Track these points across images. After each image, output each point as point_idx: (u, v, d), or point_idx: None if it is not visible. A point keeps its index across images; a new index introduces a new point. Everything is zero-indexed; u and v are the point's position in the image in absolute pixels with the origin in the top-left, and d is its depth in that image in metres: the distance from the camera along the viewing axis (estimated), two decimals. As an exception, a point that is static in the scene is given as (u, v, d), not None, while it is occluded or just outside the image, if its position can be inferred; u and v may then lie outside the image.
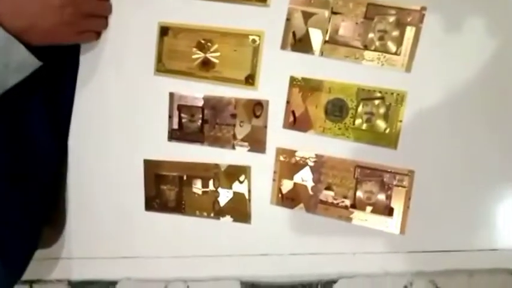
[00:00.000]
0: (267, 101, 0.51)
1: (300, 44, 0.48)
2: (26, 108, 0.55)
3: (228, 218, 0.53)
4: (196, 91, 0.54)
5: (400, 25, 0.45)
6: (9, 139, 0.53)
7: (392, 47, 0.45)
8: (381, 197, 0.47)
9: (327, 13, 0.47)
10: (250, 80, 0.51)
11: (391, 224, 0.47)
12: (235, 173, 0.53)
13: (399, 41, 0.45)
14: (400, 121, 0.46)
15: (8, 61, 0.46)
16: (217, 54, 0.52)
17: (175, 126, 0.55)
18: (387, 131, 0.46)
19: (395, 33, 0.45)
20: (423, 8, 0.44)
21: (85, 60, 0.57)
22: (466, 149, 0.45)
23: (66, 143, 0.59)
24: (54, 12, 0.49)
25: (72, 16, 0.50)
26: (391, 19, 0.45)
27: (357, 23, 0.46)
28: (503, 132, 0.44)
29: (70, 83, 0.59)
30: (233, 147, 0.53)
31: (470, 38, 0.44)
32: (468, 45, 0.44)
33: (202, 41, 0.53)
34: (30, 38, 0.47)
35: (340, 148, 0.48)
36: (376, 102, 0.46)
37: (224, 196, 0.53)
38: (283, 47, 0.49)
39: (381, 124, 0.46)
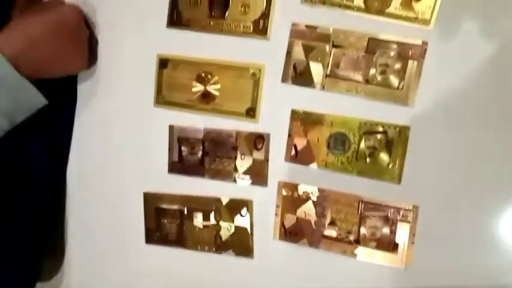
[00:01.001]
0: (268, 134, 0.51)
1: (300, 77, 0.48)
2: (26, 139, 0.55)
3: (230, 253, 0.53)
4: (196, 123, 0.53)
5: (402, 58, 0.45)
6: (7, 170, 0.53)
7: (394, 81, 0.45)
8: (385, 232, 0.46)
9: (327, 47, 0.47)
10: (251, 113, 0.51)
11: (395, 260, 0.46)
12: (236, 206, 0.52)
13: (401, 75, 0.45)
14: (404, 156, 0.45)
15: (18, 101, 0.47)
16: (218, 86, 0.52)
17: (176, 158, 0.55)
18: (390, 165, 0.46)
19: (398, 66, 0.45)
20: (424, 43, 0.44)
21: (83, 91, 0.58)
22: (470, 183, 0.45)
23: (65, 174, 0.59)
24: (66, 45, 0.51)
25: (82, 45, 0.52)
26: (393, 53, 0.45)
27: (358, 57, 0.46)
28: (510, 164, 0.43)
29: (69, 114, 0.59)
30: (234, 181, 0.52)
31: (472, 71, 0.43)
32: (471, 79, 0.43)
33: (202, 74, 0.53)
34: (42, 73, 0.48)
35: (343, 182, 0.48)
36: (379, 136, 0.46)
37: (226, 230, 0.53)
38: (284, 80, 0.49)
39: (384, 159, 0.46)
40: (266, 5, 0.49)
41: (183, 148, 0.54)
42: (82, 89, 0.58)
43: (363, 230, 0.47)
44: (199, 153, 0.54)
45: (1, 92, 0.45)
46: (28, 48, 0.47)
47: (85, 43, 0.53)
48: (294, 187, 0.50)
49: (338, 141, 0.48)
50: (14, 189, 0.54)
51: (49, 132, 0.58)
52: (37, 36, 0.48)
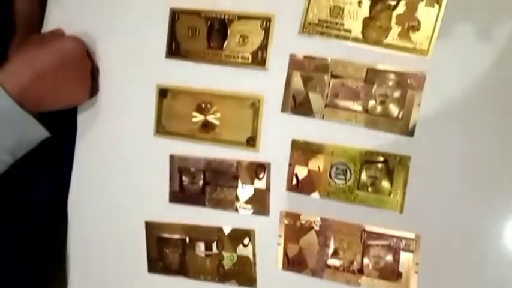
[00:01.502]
0: (269, 163, 0.51)
1: (300, 107, 0.49)
2: (26, 169, 0.55)
3: (233, 282, 0.53)
4: (197, 153, 0.53)
5: (401, 88, 0.45)
6: (9, 202, 0.53)
7: (394, 111, 0.45)
8: (389, 261, 0.46)
9: (326, 77, 0.47)
10: (251, 142, 0.51)
11: (400, 289, 0.46)
12: (239, 236, 0.52)
13: (401, 105, 0.45)
14: (405, 185, 0.45)
15: (22, 136, 0.47)
16: (218, 116, 0.52)
17: (177, 188, 0.55)
18: (392, 195, 0.46)
19: (397, 96, 0.45)
20: (423, 73, 0.44)
21: (83, 121, 0.58)
22: (472, 211, 0.45)
23: (66, 204, 0.59)
24: (69, 78, 0.51)
25: (85, 77, 0.52)
26: (391, 83, 0.45)
27: (357, 87, 0.46)
28: None
29: (69, 144, 0.59)
30: (236, 210, 0.52)
31: (472, 101, 0.44)
32: (470, 108, 0.44)
33: (202, 104, 0.53)
34: (45, 107, 0.49)
35: (345, 211, 0.48)
36: (380, 165, 0.46)
37: (228, 260, 0.53)
38: (284, 110, 0.49)
39: (385, 188, 0.46)
40: (264, 36, 0.49)
41: (184, 178, 0.54)
42: (82, 118, 0.58)
43: (366, 260, 0.47)
44: (200, 183, 0.54)
45: (5, 128, 0.46)
46: (32, 82, 0.47)
47: (88, 75, 0.53)
48: (296, 216, 0.50)
49: (339, 171, 0.48)
50: (15, 220, 0.54)
51: (50, 162, 0.58)
52: (41, 70, 0.48)
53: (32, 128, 0.47)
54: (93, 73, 0.55)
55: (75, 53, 0.51)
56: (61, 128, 0.57)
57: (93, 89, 0.56)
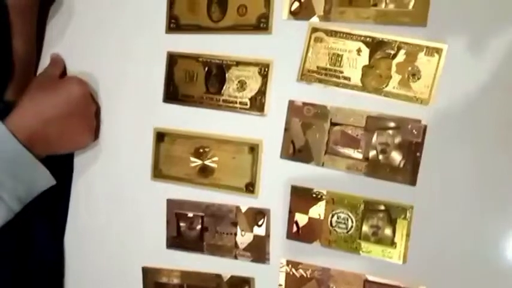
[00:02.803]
0: (269, 210, 0.50)
1: (299, 153, 0.48)
2: (29, 220, 0.54)
3: (232, 332, 0.52)
4: (194, 197, 0.53)
5: (402, 137, 0.45)
6: (13, 253, 0.52)
7: (395, 159, 0.45)
8: (393, 313, 0.45)
9: (326, 124, 0.47)
10: (250, 188, 0.50)
11: None
12: (238, 284, 0.52)
13: (402, 154, 0.45)
14: (408, 235, 0.45)
15: (31, 184, 0.47)
16: (216, 161, 0.52)
17: (174, 233, 0.54)
18: (395, 245, 0.45)
19: (398, 145, 0.45)
20: (424, 122, 0.44)
21: (80, 165, 0.58)
22: (476, 262, 0.44)
23: (62, 249, 0.58)
24: (76, 122, 0.51)
25: (91, 120, 0.53)
26: (392, 132, 0.45)
27: (357, 135, 0.46)
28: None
29: (66, 188, 0.59)
30: (235, 257, 0.51)
31: (474, 149, 0.43)
32: (472, 156, 0.43)
33: (200, 148, 0.52)
34: (51, 151, 0.49)
35: (347, 261, 0.47)
36: (381, 215, 0.45)
37: (228, 308, 0.52)
38: (283, 155, 0.49)
39: (388, 238, 0.45)
40: (262, 82, 0.49)
41: (181, 223, 0.54)
42: (79, 161, 0.58)
43: (369, 312, 0.46)
44: (198, 228, 0.53)
45: (15, 175, 0.45)
46: (40, 128, 0.48)
47: (93, 118, 0.54)
48: (296, 265, 0.49)
49: (340, 219, 0.47)
50: (13, 260, 0.53)
51: (47, 206, 0.57)
52: (49, 116, 0.48)
53: (41, 174, 0.47)
54: (98, 115, 0.55)
55: (81, 97, 0.52)
56: (58, 172, 0.57)
57: (98, 131, 0.56)
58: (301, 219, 0.49)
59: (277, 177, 0.50)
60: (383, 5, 0.44)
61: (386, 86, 0.45)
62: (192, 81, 0.52)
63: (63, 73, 0.56)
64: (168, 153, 0.54)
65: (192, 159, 0.53)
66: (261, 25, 0.49)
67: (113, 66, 0.56)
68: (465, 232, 0.44)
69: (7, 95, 0.53)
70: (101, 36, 0.56)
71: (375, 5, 0.45)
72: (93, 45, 0.56)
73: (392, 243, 0.46)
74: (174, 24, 0.53)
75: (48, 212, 0.57)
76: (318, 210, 0.48)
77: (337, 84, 0.46)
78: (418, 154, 0.44)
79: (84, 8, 0.57)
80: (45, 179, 0.48)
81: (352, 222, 0.47)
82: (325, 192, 0.48)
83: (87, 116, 0.53)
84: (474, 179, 0.44)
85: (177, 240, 0.54)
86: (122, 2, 0.55)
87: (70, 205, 0.58)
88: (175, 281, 0.54)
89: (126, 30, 0.55)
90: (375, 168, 0.46)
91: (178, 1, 0.53)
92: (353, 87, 0.46)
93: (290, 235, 0.49)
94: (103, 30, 0.56)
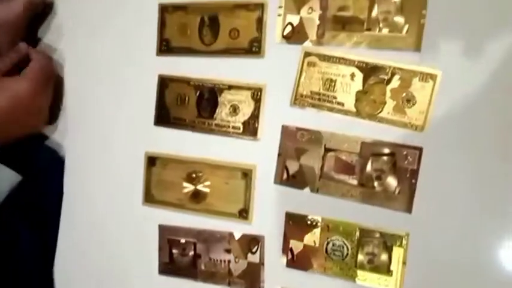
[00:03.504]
0: (263, 237, 0.49)
1: (293, 179, 0.48)
2: (16, 240, 0.53)
3: None
4: (187, 223, 0.52)
5: (397, 162, 0.44)
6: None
7: (391, 186, 0.44)
8: None
9: (319, 150, 0.46)
10: (244, 214, 0.50)
11: None
12: (232, 312, 0.51)
13: (398, 180, 0.44)
14: (404, 263, 0.44)
15: None
16: (209, 185, 0.51)
17: (166, 259, 0.53)
18: (391, 273, 0.44)
19: (393, 169, 0.44)
20: (419, 148, 0.43)
21: (71, 190, 0.57)
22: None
23: (52, 276, 0.57)
24: (21, 116, 0.51)
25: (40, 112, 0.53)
26: (387, 157, 0.44)
27: (352, 161, 0.45)
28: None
29: (57, 211, 0.58)
30: (229, 284, 0.51)
31: (470, 175, 0.43)
32: (467, 183, 0.43)
33: (192, 173, 0.52)
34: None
35: (343, 287, 0.46)
36: (377, 242, 0.45)
37: (222, 337, 0.51)
38: (277, 181, 0.48)
39: (384, 265, 0.45)
40: (255, 107, 0.49)
41: (173, 250, 0.53)
42: (69, 186, 0.57)
43: None
44: (191, 254, 0.52)
45: None
46: None
47: (43, 107, 0.53)
48: (291, 293, 0.48)
49: (336, 247, 0.46)
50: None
51: (38, 233, 0.56)
52: None
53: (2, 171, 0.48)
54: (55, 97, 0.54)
55: (27, 94, 0.50)
56: (49, 198, 0.56)
57: (55, 113, 0.56)
58: (296, 246, 0.48)
59: (271, 203, 0.49)
60: (377, 30, 0.44)
61: (380, 112, 0.44)
62: (184, 105, 0.52)
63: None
64: (160, 178, 0.53)
65: (185, 184, 0.52)
66: (253, 49, 0.48)
67: (103, 88, 0.55)
68: (462, 260, 0.43)
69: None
70: (91, 57, 0.55)
71: (369, 29, 0.44)
72: (84, 67, 0.56)
73: (388, 271, 0.45)
74: (165, 47, 0.52)
75: (38, 232, 0.56)
76: (313, 237, 0.47)
77: (330, 109, 0.46)
78: (413, 181, 0.44)
79: (75, 29, 0.56)
80: (7, 176, 0.49)
81: (347, 249, 0.46)
82: (320, 219, 0.47)
83: (35, 108, 0.52)
84: (471, 206, 0.43)
85: (169, 267, 0.53)
86: (112, 23, 0.55)
87: (60, 230, 0.57)
88: (168, 308, 0.53)
89: (116, 51, 0.54)
90: (370, 195, 0.45)
91: (169, 23, 0.52)
92: (347, 112, 0.45)
93: (285, 262, 0.49)
94: (94, 52, 0.55)
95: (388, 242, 0.45)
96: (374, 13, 0.44)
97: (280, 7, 0.47)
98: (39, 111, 0.53)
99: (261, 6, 0.48)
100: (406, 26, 0.43)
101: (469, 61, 0.42)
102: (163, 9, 0.52)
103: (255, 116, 0.49)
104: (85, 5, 0.56)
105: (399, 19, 0.44)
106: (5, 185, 0.51)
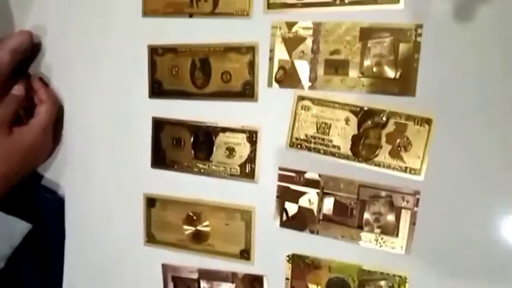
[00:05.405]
0: (266, 277, 0.51)
1: (293, 221, 0.49)
2: (18, 275, 0.55)
3: None
4: (190, 262, 0.54)
5: (395, 207, 0.45)
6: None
7: (390, 228, 0.45)
8: None
9: (317, 193, 0.47)
10: (245, 255, 0.51)
11: None
12: None
13: (396, 224, 0.45)
14: (406, 303, 0.45)
15: (7, 238, 0.50)
16: (209, 226, 0.52)
17: (172, 298, 0.55)
18: (393, 313, 0.46)
19: (391, 215, 0.45)
20: (417, 192, 0.44)
21: (72, 231, 0.59)
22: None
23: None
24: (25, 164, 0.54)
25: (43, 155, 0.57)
26: (384, 202, 0.45)
27: (350, 203, 0.46)
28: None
29: (60, 252, 0.59)
30: (234, 323, 0.52)
31: (468, 219, 0.44)
32: (466, 225, 0.44)
33: (192, 215, 0.53)
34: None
35: (346, 327, 0.48)
36: (379, 283, 0.46)
37: None
38: (277, 223, 0.49)
39: (386, 306, 0.46)
40: (251, 149, 0.49)
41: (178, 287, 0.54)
42: (70, 226, 0.58)
43: None
44: (196, 292, 0.54)
45: None
46: None
47: (49, 151, 0.56)
48: (296, 331, 0.50)
49: (338, 287, 0.48)
50: None
51: (41, 267, 0.58)
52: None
53: (12, 225, 0.50)
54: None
55: (38, 145, 0.53)
56: (51, 238, 0.58)
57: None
58: (299, 286, 0.49)
59: (272, 244, 0.50)
60: (370, 74, 0.44)
61: (376, 156, 0.45)
62: (180, 147, 0.52)
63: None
64: (160, 219, 0.55)
65: (185, 227, 0.53)
66: (247, 92, 0.49)
67: (99, 130, 0.56)
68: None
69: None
70: (86, 96, 0.56)
71: (362, 73, 0.44)
72: (79, 110, 0.56)
73: (391, 311, 0.46)
74: (158, 89, 0.53)
75: (41, 271, 0.58)
76: (315, 278, 0.49)
77: (326, 153, 0.46)
78: (411, 224, 0.45)
79: (66, 73, 0.56)
80: (17, 226, 0.50)
81: (349, 289, 0.47)
82: (321, 260, 0.48)
83: (39, 152, 0.55)
84: (471, 245, 0.44)
85: (175, 305, 0.55)
86: (104, 65, 0.55)
87: (64, 274, 0.59)
88: None
89: (109, 92, 0.54)
90: (370, 237, 0.46)
91: (160, 65, 0.52)
92: (343, 156, 0.46)
93: (288, 302, 0.50)
94: (89, 91, 0.56)
95: (389, 283, 0.46)
96: (367, 57, 0.44)
97: (271, 50, 0.47)
98: (45, 155, 0.57)
99: (252, 50, 0.48)
100: (400, 70, 0.43)
101: (465, 105, 0.43)
102: (153, 51, 0.52)
103: (251, 158, 0.50)
104: (75, 47, 0.55)
105: (392, 62, 0.44)
106: (17, 235, 0.52)
